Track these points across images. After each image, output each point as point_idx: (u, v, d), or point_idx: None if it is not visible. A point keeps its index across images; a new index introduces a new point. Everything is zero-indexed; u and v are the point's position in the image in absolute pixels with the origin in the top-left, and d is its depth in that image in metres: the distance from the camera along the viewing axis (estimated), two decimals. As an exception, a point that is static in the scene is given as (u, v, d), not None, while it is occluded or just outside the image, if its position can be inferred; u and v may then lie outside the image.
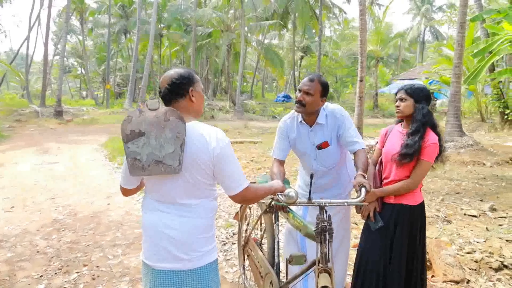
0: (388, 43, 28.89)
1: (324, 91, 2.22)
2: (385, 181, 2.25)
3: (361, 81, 9.63)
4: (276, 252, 2.20)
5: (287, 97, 32.89)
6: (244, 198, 1.59)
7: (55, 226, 4.34)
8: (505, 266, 3.12)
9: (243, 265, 2.81)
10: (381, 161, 2.31)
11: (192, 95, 1.57)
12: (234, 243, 3.72)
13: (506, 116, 13.92)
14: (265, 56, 28.54)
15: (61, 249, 3.69)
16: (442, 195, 5.45)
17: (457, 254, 3.30)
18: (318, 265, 1.68)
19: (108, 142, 11.12)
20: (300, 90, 2.22)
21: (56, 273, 3.18)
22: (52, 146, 10.49)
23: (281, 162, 2.37)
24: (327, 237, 1.70)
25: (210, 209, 1.59)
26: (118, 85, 35.78)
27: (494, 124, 14.79)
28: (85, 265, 3.32)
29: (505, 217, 4.42)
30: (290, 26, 30.65)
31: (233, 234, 3.97)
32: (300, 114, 2.32)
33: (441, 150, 2.13)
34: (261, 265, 2.29)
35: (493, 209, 4.70)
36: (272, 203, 2.22)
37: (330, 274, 1.65)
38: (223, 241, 3.83)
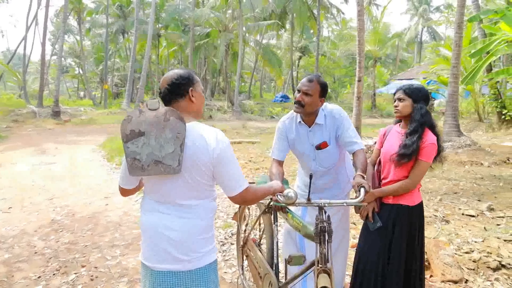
0: (386, 43, 28.99)
1: (323, 92, 2.22)
2: (383, 181, 2.25)
3: (359, 81, 9.65)
4: (275, 252, 2.20)
5: (285, 97, 32.91)
6: (244, 199, 1.59)
7: (53, 227, 4.32)
8: (503, 266, 3.13)
9: (242, 266, 2.81)
10: (379, 161, 2.31)
11: (192, 96, 1.57)
12: (233, 244, 3.72)
13: (503, 116, 13.97)
14: (263, 56, 28.57)
15: (59, 250, 3.68)
16: (440, 195, 5.46)
17: (455, 254, 3.31)
18: (318, 266, 1.67)
19: (106, 142, 11.08)
20: (299, 91, 2.22)
21: (54, 274, 3.17)
22: (50, 146, 10.45)
23: (280, 163, 2.37)
24: (326, 237, 1.70)
25: (209, 209, 1.58)
26: (116, 85, 35.71)
27: (491, 124, 14.84)
28: (83, 266, 3.31)
29: (502, 217, 4.44)
30: (288, 26, 30.67)
31: (232, 234, 3.97)
32: (299, 114, 2.32)
33: (440, 150, 2.14)
34: (260, 265, 2.29)
35: (491, 209, 4.71)
36: (271, 203, 2.22)
37: (329, 275, 1.65)
38: (221, 241, 3.82)
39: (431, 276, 3.04)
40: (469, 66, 11.58)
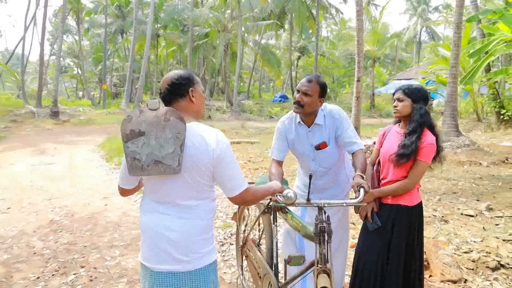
0: (385, 43, 29.02)
1: (323, 92, 2.22)
2: (382, 181, 2.25)
3: (358, 81, 9.66)
4: (274, 252, 2.20)
5: (284, 97, 32.92)
6: (243, 200, 1.59)
7: (52, 227, 4.31)
8: (502, 266, 3.13)
9: (241, 266, 2.81)
10: (379, 162, 2.31)
11: (193, 96, 1.57)
12: (232, 244, 3.72)
13: (502, 116, 14.00)
14: (262, 56, 28.57)
15: (58, 250, 3.67)
16: (439, 195, 5.47)
17: (455, 253, 3.32)
18: (317, 266, 1.67)
19: (105, 142, 11.08)
20: (298, 91, 2.22)
21: (53, 275, 3.16)
22: (48, 146, 10.44)
23: (280, 163, 2.37)
24: (326, 238, 1.70)
25: (209, 210, 1.58)
26: (115, 85, 35.68)
27: (490, 124, 14.88)
28: (82, 267, 3.31)
29: (501, 217, 4.44)
30: (287, 26, 30.68)
31: (231, 234, 3.97)
32: (298, 114, 2.32)
33: (439, 150, 2.14)
34: (259, 265, 2.29)
35: (489, 209, 4.72)
36: (271, 204, 2.22)
37: (329, 275, 1.65)
38: (221, 241, 3.82)
39: (430, 276, 3.04)
40: (467, 66, 11.61)
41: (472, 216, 4.50)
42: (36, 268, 3.29)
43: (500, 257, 3.24)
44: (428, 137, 2.08)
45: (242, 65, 30.47)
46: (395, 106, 2.19)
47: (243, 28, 24.80)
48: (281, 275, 2.30)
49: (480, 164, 7.89)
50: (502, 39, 8.43)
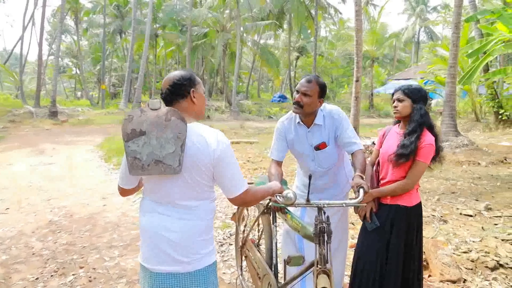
0: (383, 43, 29.04)
1: (322, 92, 2.22)
2: (381, 181, 2.26)
3: (357, 81, 9.67)
4: (274, 253, 2.20)
5: (283, 97, 32.93)
6: (243, 201, 1.59)
7: (50, 227, 4.30)
8: (501, 265, 3.14)
9: (241, 266, 2.81)
10: (378, 162, 2.32)
11: (194, 96, 1.57)
12: (232, 244, 3.71)
13: (500, 116, 14.05)
14: (260, 56, 28.56)
15: (57, 251, 3.66)
16: (438, 194, 5.48)
17: (454, 253, 3.32)
18: (317, 266, 1.67)
19: (103, 142, 11.06)
20: (298, 91, 2.22)
21: (52, 276, 3.16)
22: (47, 147, 10.41)
23: (279, 163, 2.37)
24: (326, 238, 1.70)
25: (209, 211, 1.58)
26: (113, 85, 35.64)
27: (488, 124, 14.91)
28: (81, 267, 3.30)
29: (500, 217, 4.45)
30: (285, 26, 30.68)
31: (230, 235, 3.96)
32: (298, 115, 2.32)
33: (439, 151, 2.14)
34: (259, 266, 2.29)
35: (488, 209, 4.73)
36: (270, 204, 2.22)
37: (329, 276, 1.65)
38: (220, 242, 3.82)
39: (429, 276, 3.05)
40: (466, 66, 11.63)
41: (471, 216, 4.51)
42: (35, 269, 3.28)
43: (499, 257, 3.25)
44: (428, 137, 2.08)
45: (241, 65, 30.47)
46: (395, 107, 2.19)
47: (242, 28, 24.79)
48: (280, 275, 2.30)
49: (479, 164, 7.91)
50: (500, 39, 8.45)
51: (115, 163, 7.96)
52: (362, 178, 2.01)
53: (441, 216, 4.46)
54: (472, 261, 3.21)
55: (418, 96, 2.14)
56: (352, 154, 2.24)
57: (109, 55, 33.82)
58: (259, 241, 2.55)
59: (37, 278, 3.11)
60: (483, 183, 6.21)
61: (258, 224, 2.53)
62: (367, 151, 7.56)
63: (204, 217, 1.55)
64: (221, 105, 25.58)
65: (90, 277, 3.13)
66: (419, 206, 2.20)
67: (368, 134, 12.08)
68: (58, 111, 18.67)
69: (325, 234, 1.70)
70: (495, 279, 2.96)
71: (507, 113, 13.93)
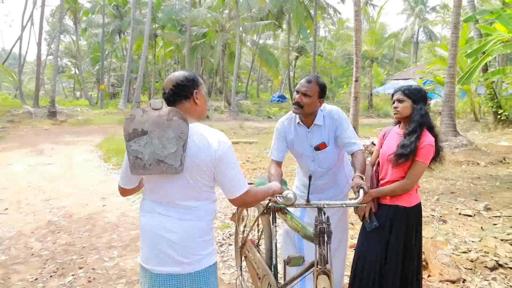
0: (383, 44, 29.09)
1: (322, 92, 2.22)
2: (381, 181, 2.26)
3: (356, 81, 9.68)
4: (273, 253, 2.19)
5: (282, 97, 32.93)
6: (244, 202, 1.60)
7: (50, 228, 4.29)
8: (500, 265, 3.14)
9: (241, 267, 2.81)
10: (378, 162, 2.32)
11: (196, 98, 1.57)
12: (231, 244, 3.71)
13: (499, 116, 14.07)
14: (260, 56, 28.55)
15: (56, 251, 3.65)
16: (437, 194, 5.48)
17: (453, 253, 3.32)
18: (317, 267, 1.67)
19: (103, 143, 11.05)
20: (298, 92, 2.22)
21: (51, 276, 3.15)
22: (46, 147, 10.40)
23: (279, 163, 2.37)
24: (326, 238, 1.70)
25: (209, 211, 1.58)
26: (113, 86, 35.61)
27: (487, 123, 14.94)
28: (80, 268, 3.29)
29: (499, 217, 4.46)
30: (285, 26, 30.65)
31: (230, 235, 3.96)
32: (298, 115, 2.32)
33: (439, 151, 2.14)
34: (258, 266, 2.28)
35: (487, 209, 4.74)
36: (270, 204, 2.22)
37: (329, 276, 1.65)
38: (219, 242, 3.81)
39: (429, 276, 3.05)
40: (465, 66, 11.66)
41: (470, 216, 4.52)
42: (34, 269, 3.28)
43: (498, 257, 3.25)
44: (427, 138, 2.08)
45: (240, 65, 30.47)
46: (395, 108, 2.19)
47: (241, 28, 24.79)
48: (280, 275, 2.30)
49: (478, 164, 7.92)
50: (499, 39, 8.46)
51: (114, 163, 7.95)
52: (362, 178, 2.01)
53: (441, 216, 4.46)
54: (472, 261, 3.21)
55: (418, 96, 2.14)
56: (352, 154, 2.23)
57: (108, 55, 33.78)
58: (258, 242, 2.54)
59: (36, 279, 3.10)
60: (482, 183, 6.22)
61: (258, 225, 2.53)
62: (366, 151, 7.57)
63: (204, 218, 1.55)
64: (220, 105, 25.57)
65: (89, 277, 3.12)
66: (418, 207, 2.20)
67: (367, 134, 12.08)
68: (57, 111, 18.64)
69: (325, 235, 1.70)
70: (494, 279, 2.96)
71: (506, 113, 13.96)
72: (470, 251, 3.42)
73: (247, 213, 2.82)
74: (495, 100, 14.20)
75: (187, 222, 1.52)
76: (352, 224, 4.09)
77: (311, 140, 2.33)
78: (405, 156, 2.06)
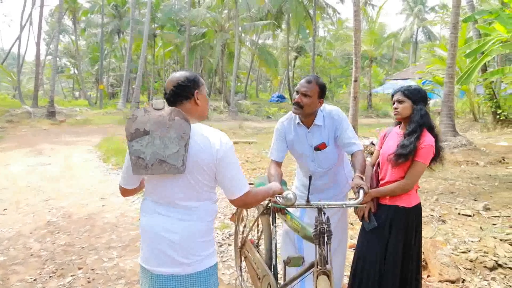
0: (382, 43, 29.10)
1: (322, 93, 2.22)
2: (381, 182, 2.26)
3: (355, 81, 9.68)
4: (273, 253, 2.19)
5: (281, 97, 32.93)
6: (244, 203, 1.60)
7: (49, 228, 4.29)
8: (500, 265, 3.14)
9: (240, 267, 2.81)
10: (378, 163, 2.32)
11: (197, 98, 1.58)
12: (231, 245, 3.71)
13: (498, 116, 14.09)
14: (259, 56, 28.54)
15: (55, 252, 3.65)
16: (437, 194, 5.49)
17: (452, 253, 3.33)
18: (317, 267, 1.67)
19: (102, 143, 11.03)
20: (297, 92, 2.22)
21: (50, 277, 3.14)
22: (45, 147, 10.38)
23: (279, 164, 2.37)
24: (326, 239, 1.70)
25: (210, 212, 1.58)
26: (112, 86, 35.57)
27: (486, 123, 14.96)
28: (80, 268, 3.29)
29: (498, 216, 4.46)
30: (284, 26, 30.67)
31: (229, 235, 3.96)
32: (297, 115, 2.32)
33: (439, 151, 2.14)
34: (258, 266, 2.28)
35: (486, 209, 4.74)
36: (270, 205, 2.21)
37: (329, 277, 1.65)
38: (219, 242, 3.81)
39: (428, 276, 3.05)
40: (464, 66, 11.67)
41: (470, 216, 4.52)
42: (33, 270, 3.27)
43: (498, 257, 3.25)
44: (427, 138, 2.08)
45: (239, 65, 30.47)
46: (395, 108, 2.19)
47: (240, 28, 24.79)
48: (280, 276, 2.30)
49: (477, 164, 7.93)
50: (498, 39, 8.47)
51: (113, 163, 7.94)
52: (362, 178, 2.01)
53: (440, 216, 4.47)
54: (471, 261, 3.21)
55: (418, 97, 2.14)
56: (352, 154, 2.23)
57: (107, 55, 33.75)
58: (258, 242, 2.54)
59: (35, 279, 3.10)
60: (481, 183, 6.22)
61: (258, 225, 2.53)
62: (366, 151, 7.57)
63: (204, 219, 1.55)
64: (220, 105, 25.56)
65: (88, 278, 3.11)
66: (418, 207, 2.20)
67: (367, 134, 12.08)
68: (56, 111, 18.61)
69: (325, 235, 1.70)
70: (493, 279, 2.97)
71: (505, 113, 13.98)
72: (469, 251, 3.42)
73: (247, 213, 2.82)
74: (494, 100, 14.22)
75: (187, 222, 1.52)
76: (351, 224, 4.09)
77: (311, 140, 2.33)
78: (405, 156, 2.06)
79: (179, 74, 1.58)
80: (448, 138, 9.63)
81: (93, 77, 37.01)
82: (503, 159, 8.20)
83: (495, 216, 4.48)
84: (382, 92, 30.90)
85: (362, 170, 2.09)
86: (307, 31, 31.66)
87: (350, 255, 2.69)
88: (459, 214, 4.61)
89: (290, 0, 26.36)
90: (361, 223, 2.29)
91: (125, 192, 1.70)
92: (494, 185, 6.11)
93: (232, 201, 1.58)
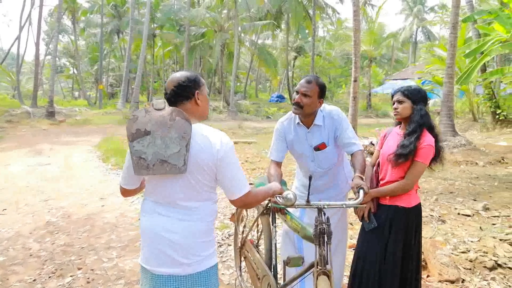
0: (381, 43, 29.11)
1: (322, 93, 2.22)
2: (381, 182, 2.25)
3: (355, 81, 9.68)
4: (273, 254, 2.19)
5: (280, 97, 32.94)
6: (245, 203, 1.60)
7: (48, 228, 4.28)
8: (499, 265, 3.14)
9: (240, 267, 2.80)
10: (378, 163, 2.32)
11: (198, 98, 1.57)
12: (230, 245, 3.71)
13: (497, 116, 14.10)
14: (258, 56, 28.54)
15: (55, 252, 3.64)
16: (436, 194, 5.49)
17: (452, 253, 3.33)
18: (317, 268, 1.67)
19: (101, 143, 11.02)
20: (297, 92, 2.21)
21: (49, 277, 3.14)
22: (44, 147, 10.37)
23: (278, 164, 2.37)
24: (326, 239, 1.70)
25: (210, 212, 1.58)
26: (111, 85, 35.54)
27: (486, 123, 14.97)
28: (79, 268, 3.28)
29: (498, 216, 4.46)
30: (283, 26, 30.68)
31: (229, 235, 3.95)
32: (297, 115, 2.32)
33: (439, 151, 2.14)
34: (258, 267, 2.28)
35: (486, 208, 4.74)
36: (270, 205, 2.21)
37: (329, 277, 1.65)
38: (218, 242, 3.81)
39: (428, 276, 3.05)
40: (463, 66, 11.67)
41: (469, 216, 4.52)
42: (33, 270, 3.26)
43: (497, 257, 3.25)
44: (427, 138, 2.08)
45: (238, 65, 30.44)
46: (395, 109, 2.19)
47: (239, 28, 24.77)
48: (280, 276, 2.30)
49: (477, 163, 7.93)
50: (497, 39, 8.48)
51: (113, 163, 7.94)
52: (361, 178, 2.01)
53: (439, 216, 4.47)
54: (471, 261, 3.21)
55: (418, 97, 2.14)
56: (351, 154, 2.23)
57: (106, 55, 33.73)
58: (258, 242, 2.54)
59: (34, 280, 3.09)
60: (480, 183, 6.23)
61: (257, 225, 2.52)
62: (365, 151, 7.57)
63: (205, 219, 1.55)
64: (219, 105, 25.56)
65: (88, 278, 3.11)
66: (418, 207, 2.19)
67: (366, 134, 12.08)
68: (56, 111, 18.59)
69: (325, 235, 1.70)
70: (493, 279, 2.97)
71: (504, 113, 13.99)
72: (469, 251, 3.42)
73: (247, 213, 2.81)
74: (494, 100, 14.23)
75: (187, 222, 1.52)
76: (351, 224, 4.09)
77: (310, 140, 2.33)
78: (405, 156, 2.06)
79: (180, 74, 1.58)
80: (447, 138, 9.64)
81: (93, 77, 36.98)
82: (503, 159, 8.21)
83: (494, 216, 4.48)
84: (381, 92, 30.91)
85: (362, 170, 2.09)
86: (307, 31, 31.68)
87: (350, 255, 2.69)
88: (458, 214, 4.61)
89: (290, 0, 26.37)
90: (361, 223, 2.28)
91: (125, 193, 1.70)
92: (494, 185, 6.12)
93: (232, 201, 1.57)
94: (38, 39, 20.81)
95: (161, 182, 1.52)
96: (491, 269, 3.10)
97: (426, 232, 3.92)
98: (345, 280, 2.72)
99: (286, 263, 1.88)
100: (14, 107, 19.34)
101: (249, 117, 23.01)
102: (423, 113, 2.11)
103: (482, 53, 8.74)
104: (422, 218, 3.80)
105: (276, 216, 2.22)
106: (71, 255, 3.56)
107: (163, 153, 1.42)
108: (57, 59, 27.69)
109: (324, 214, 1.76)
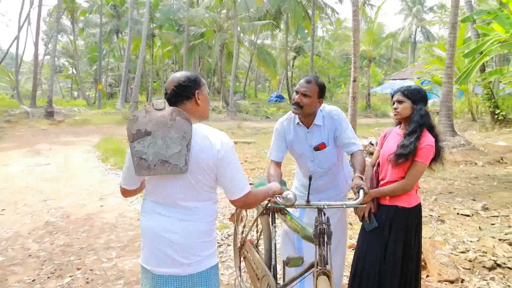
0: (380, 43, 29.13)
1: (321, 93, 2.22)
2: (381, 182, 2.25)
3: (354, 81, 9.68)
4: (273, 254, 2.19)
5: (280, 97, 32.94)
6: (245, 203, 1.59)
7: (47, 229, 4.27)
8: (498, 265, 3.15)
9: (239, 267, 2.80)
10: (378, 163, 2.31)
11: (198, 98, 1.57)
12: (230, 245, 3.70)
13: (496, 116, 14.11)
14: (258, 56, 28.54)
15: (54, 252, 3.64)
16: (435, 194, 5.50)
17: (451, 253, 3.33)
18: (317, 268, 1.67)
19: (100, 143, 11.01)
20: (297, 92, 2.21)
21: (49, 277, 3.13)
22: (43, 147, 10.36)
23: (278, 164, 2.37)
24: (326, 239, 1.70)
25: (210, 212, 1.58)
26: (110, 85, 35.52)
27: (485, 123, 14.98)
28: (78, 269, 3.28)
29: (497, 216, 4.47)
30: (282, 26, 30.70)
31: (228, 235, 3.95)
32: (297, 115, 2.31)
33: (439, 151, 2.14)
34: (257, 267, 2.28)
35: (485, 208, 4.75)
36: (269, 205, 2.21)
37: (329, 277, 1.65)
38: (218, 242, 3.80)
39: (427, 276, 3.05)
40: (462, 66, 11.68)
41: (468, 215, 4.53)
42: (32, 270, 3.26)
43: (497, 257, 3.26)
44: (427, 138, 2.08)
45: (238, 65, 30.44)
46: (395, 109, 2.19)
47: (239, 28, 24.77)
48: (279, 276, 2.30)
49: (476, 163, 7.94)
50: (497, 40, 8.49)
51: (112, 164, 7.93)
52: (361, 179, 2.01)
53: (439, 216, 4.47)
54: (470, 261, 3.22)
55: (418, 97, 2.14)
56: (351, 154, 2.23)
57: (105, 55, 33.70)
58: (257, 242, 2.54)
59: (33, 280, 3.09)
60: (480, 183, 6.23)
61: (257, 225, 2.52)
62: (365, 151, 7.57)
63: (205, 219, 1.55)
64: (218, 105, 25.54)
65: (87, 278, 3.11)
66: (418, 207, 2.20)
67: (366, 134, 12.09)
68: (55, 111, 18.56)
69: (325, 235, 1.69)
70: (492, 279, 2.97)
71: (503, 113, 14.01)
72: (468, 251, 3.42)
73: (246, 213, 2.81)
74: (493, 100, 14.25)
75: (187, 222, 1.51)
76: (351, 224, 4.09)
77: (310, 140, 2.33)
78: (405, 156, 2.06)
79: (180, 74, 1.57)
80: (446, 138, 9.65)
81: (92, 77, 36.95)
82: (502, 159, 8.22)
83: (493, 216, 4.49)
84: (380, 92, 30.94)
85: (362, 170, 2.09)
86: (306, 31, 31.69)
87: (350, 255, 2.69)
88: (458, 214, 4.61)
89: (289, 0, 26.37)
90: (361, 223, 2.28)
91: (126, 193, 1.70)
92: (493, 185, 6.12)
93: (232, 202, 1.57)
94: (37, 39, 20.79)
95: (161, 182, 1.52)
96: (490, 269, 3.10)
97: (426, 232, 3.92)
98: (345, 280, 2.72)
99: (286, 263, 1.88)
100: (13, 107, 19.31)
101: (248, 117, 23.00)
102: (423, 113, 2.11)
103: (481, 53, 8.75)
104: (422, 218, 3.80)
105: (276, 216, 2.22)
106: (70, 255, 3.56)
107: (164, 153, 1.41)
108: (56, 59, 27.67)
109: (324, 214, 1.76)
